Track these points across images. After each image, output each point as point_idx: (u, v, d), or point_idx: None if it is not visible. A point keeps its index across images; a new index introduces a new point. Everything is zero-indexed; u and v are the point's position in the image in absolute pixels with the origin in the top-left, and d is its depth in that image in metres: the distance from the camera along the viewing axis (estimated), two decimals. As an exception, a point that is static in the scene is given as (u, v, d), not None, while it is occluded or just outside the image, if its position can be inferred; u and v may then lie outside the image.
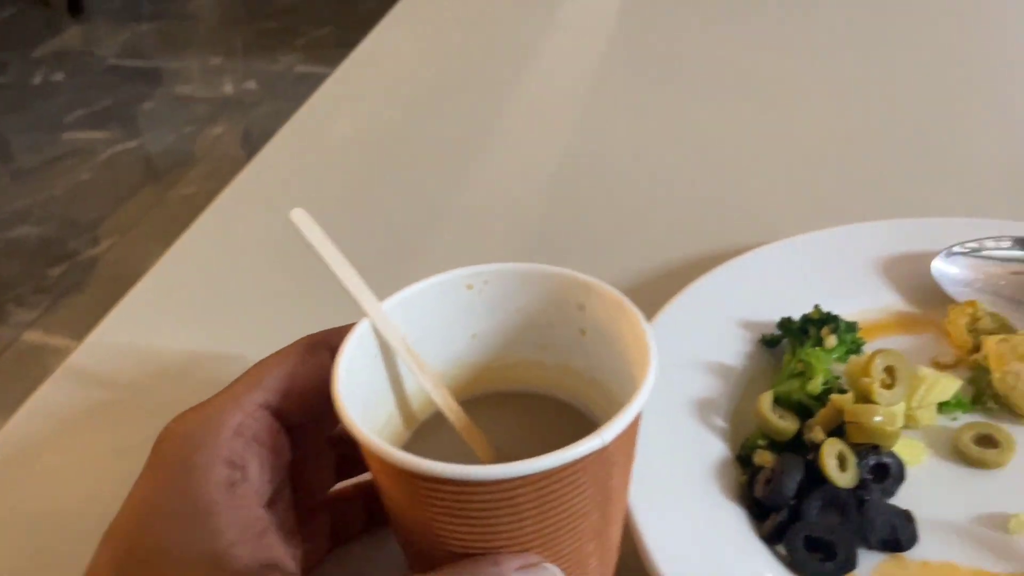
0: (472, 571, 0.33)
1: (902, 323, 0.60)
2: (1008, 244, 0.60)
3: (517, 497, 0.33)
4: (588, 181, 0.80)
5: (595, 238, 0.73)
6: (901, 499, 0.48)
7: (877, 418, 0.48)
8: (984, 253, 0.60)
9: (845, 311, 0.58)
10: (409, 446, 0.43)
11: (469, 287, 0.43)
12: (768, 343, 0.57)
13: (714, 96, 0.92)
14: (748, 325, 0.58)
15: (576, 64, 1.01)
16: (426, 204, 0.78)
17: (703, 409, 0.53)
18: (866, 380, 0.49)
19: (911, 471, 0.50)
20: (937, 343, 0.58)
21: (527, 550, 0.34)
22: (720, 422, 0.52)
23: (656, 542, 0.43)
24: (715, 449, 0.51)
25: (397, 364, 0.41)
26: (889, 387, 0.49)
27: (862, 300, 0.60)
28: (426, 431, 0.44)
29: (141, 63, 3.63)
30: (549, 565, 0.35)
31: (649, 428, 0.50)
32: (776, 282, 0.60)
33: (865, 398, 0.49)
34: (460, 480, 0.32)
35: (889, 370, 0.50)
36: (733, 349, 0.57)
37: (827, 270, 0.62)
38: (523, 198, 0.78)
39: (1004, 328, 0.55)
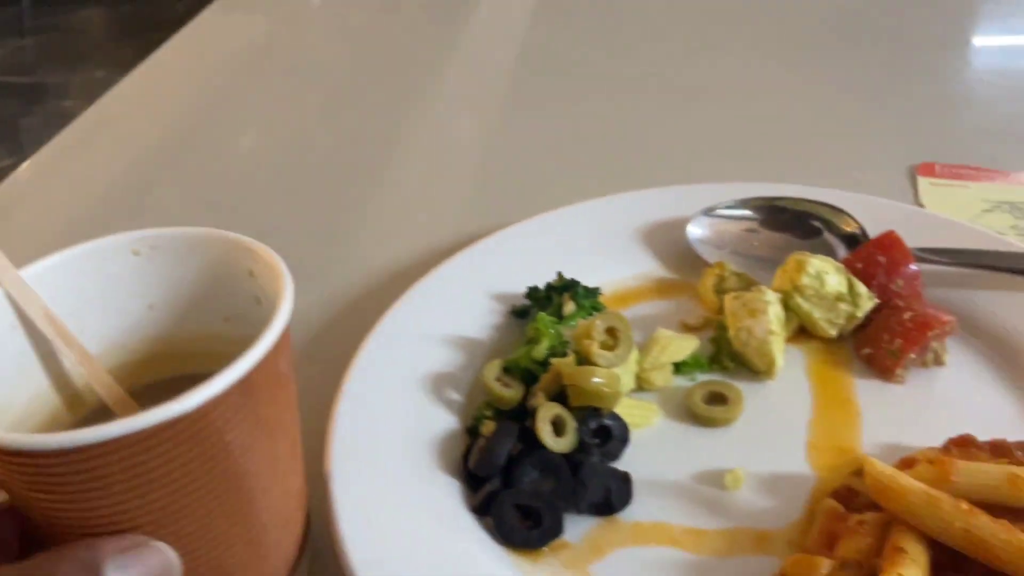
0: (61, 559, 0.30)
1: (660, 288, 0.59)
2: (735, 204, 0.60)
3: (99, 468, 0.30)
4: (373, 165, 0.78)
5: (375, 221, 0.71)
6: (626, 461, 0.47)
7: (596, 379, 0.46)
8: (726, 214, 0.60)
9: (605, 279, 0.58)
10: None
11: (135, 252, 0.40)
12: (518, 314, 0.55)
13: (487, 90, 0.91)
14: (501, 298, 0.56)
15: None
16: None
17: (441, 383, 0.51)
18: (586, 342, 0.48)
19: (643, 433, 0.49)
20: (691, 306, 0.57)
21: (136, 529, 0.32)
22: (456, 396, 0.50)
23: (349, 521, 0.41)
24: (445, 423, 0.49)
25: (47, 337, 0.38)
26: (611, 348, 0.48)
27: (622, 268, 0.59)
28: (106, 417, 0.41)
29: (22, 79, 3.49)
30: (157, 544, 0.32)
31: (374, 405, 0.48)
32: (535, 255, 0.59)
33: (587, 361, 0.47)
34: (29, 450, 0.29)
35: (611, 331, 0.48)
36: (483, 322, 0.55)
37: (587, 241, 0.60)
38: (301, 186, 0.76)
39: (748, 286, 0.54)
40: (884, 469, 0.39)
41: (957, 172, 0.69)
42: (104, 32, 3.91)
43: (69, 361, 0.39)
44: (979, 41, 0.99)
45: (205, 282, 0.41)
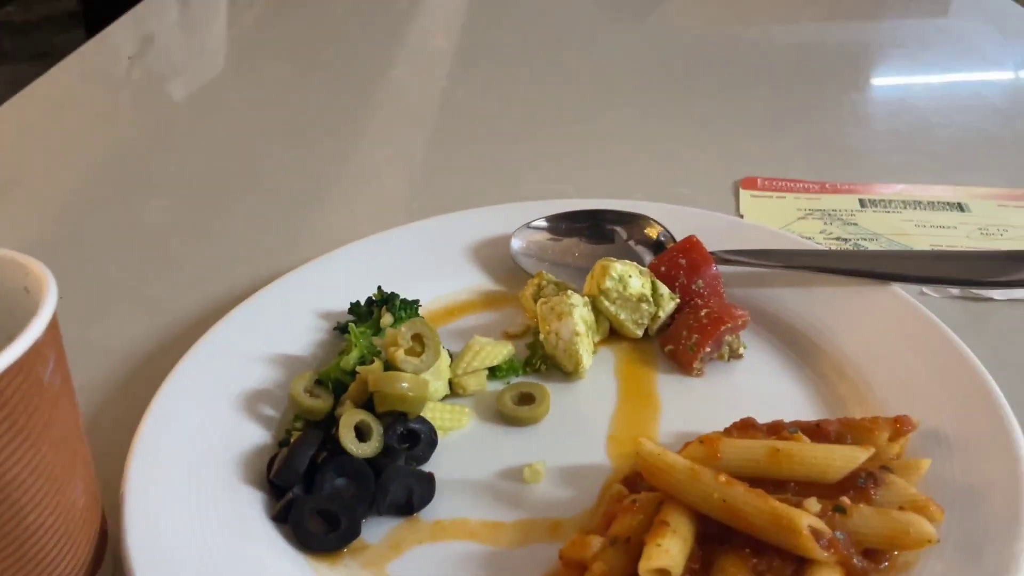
0: None
1: (486, 301, 0.60)
2: (554, 219, 0.63)
3: None
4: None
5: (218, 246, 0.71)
6: (435, 463, 0.48)
7: (403, 385, 0.47)
8: (546, 228, 0.63)
9: (434, 295, 0.59)
10: None
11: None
12: (341, 330, 0.56)
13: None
14: (327, 316, 0.57)
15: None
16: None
17: (256, 400, 0.51)
18: (392, 349, 0.49)
19: (454, 435, 0.50)
20: (515, 315, 0.59)
21: None
22: (272, 411, 0.51)
23: (137, 536, 0.41)
24: (258, 438, 0.49)
25: None
26: (418, 355, 0.49)
27: (450, 284, 0.61)
28: None
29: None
30: None
31: (183, 423, 0.48)
32: (364, 274, 0.60)
33: (393, 367, 0.49)
34: None
35: (418, 338, 0.50)
36: (307, 340, 0.56)
37: (416, 259, 0.62)
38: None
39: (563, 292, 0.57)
40: (653, 449, 0.41)
41: (776, 185, 0.74)
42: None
43: None
44: (804, 68, 1.06)
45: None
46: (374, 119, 0.94)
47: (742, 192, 0.73)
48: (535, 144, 0.85)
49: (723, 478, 0.39)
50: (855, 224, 0.68)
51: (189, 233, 0.73)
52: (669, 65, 1.02)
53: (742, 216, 0.69)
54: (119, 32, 1.16)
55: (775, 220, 0.69)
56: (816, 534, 0.37)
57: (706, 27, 1.14)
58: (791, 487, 0.41)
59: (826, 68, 0.99)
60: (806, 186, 0.73)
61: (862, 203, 0.70)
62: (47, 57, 1.19)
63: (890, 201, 0.70)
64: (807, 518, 0.38)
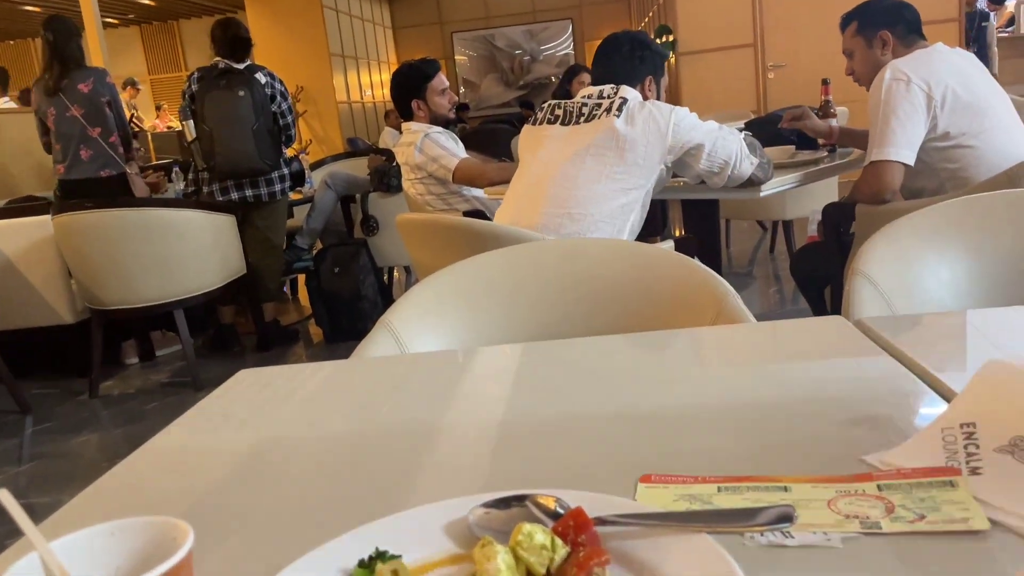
0: None
1: (454, 559, 0.91)
2: (495, 502, 0.95)
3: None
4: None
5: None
6: (403, 653, 0.76)
7: (383, 602, 0.77)
8: (491, 508, 0.95)
9: (420, 556, 0.91)
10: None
11: (111, 533, 0.74)
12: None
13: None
14: (344, 570, 0.88)
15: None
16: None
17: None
18: (378, 579, 0.80)
19: (419, 639, 0.78)
20: (470, 568, 0.89)
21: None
22: (305, 626, 0.80)
23: None
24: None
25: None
26: (396, 587, 0.80)
27: (432, 548, 0.92)
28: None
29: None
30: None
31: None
32: (377, 543, 0.92)
33: (377, 597, 0.79)
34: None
35: (395, 572, 0.80)
36: (331, 586, 0.86)
37: (412, 533, 0.94)
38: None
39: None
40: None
41: (665, 479, 1.05)
42: (96, 454, 4.35)
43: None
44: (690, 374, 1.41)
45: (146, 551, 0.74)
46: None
47: (639, 485, 1.04)
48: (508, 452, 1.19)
49: (559, 631, 0.68)
50: (712, 504, 0.98)
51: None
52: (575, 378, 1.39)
53: (635, 500, 1.01)
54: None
55: (657, 502, 0.99)
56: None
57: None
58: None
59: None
60: (683, 479, 1.05)
61: (719, 489, 1.01)
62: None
63: (738, 487, 1.01)
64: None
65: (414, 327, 1.99)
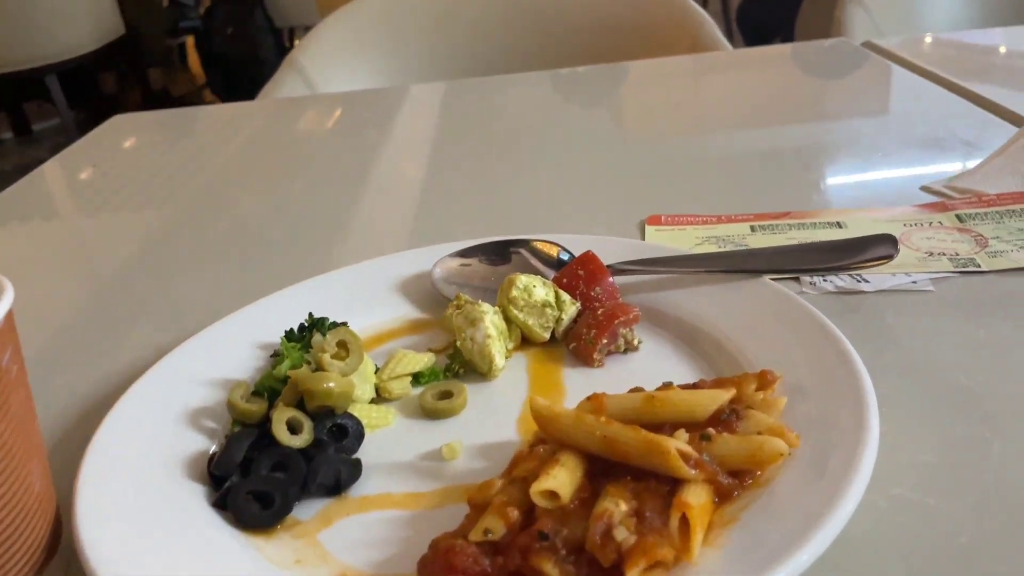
0: None
1: (413, 326, 0.67)
2: (469, 250, 0.71)
3: None
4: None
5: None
6: (362, 453, 0.53)
7: (329, 384, 0.53)
8: (461, 258, 0.70)
9: (366, 324, 0.66)
10: None
11: None
12: (277, 355, 0.62)
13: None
14: (266, 347, 0.63)
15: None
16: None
17: (201, 415, 0.56)
18: (319, 354, 0.55)
19: (382, 431, 0.55)
20: (440, 335, 0.65)
21: None
22: (214, 424, 0.56)
23: (90, 523, 0.46)
24: (202, 444, 0.54)
25: None
26: (343, 359, 0.55)
27: (381, 314, 0.67)
28: None
29: None
30: None
31: (135, 432, 0.54)
32: (303, 310, 0.66)
33: (320, 369, 0.54)
34: None
35: (342, 344, 0.56)
36: (248, 366, 0.61)
37: (349, 295, 0.68)
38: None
39: (477, 309, 0.63)
40: (543, 402, 0.47)
41: (678, 220, 0.82)
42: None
43: None
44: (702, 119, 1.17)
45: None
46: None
47: (647, 228, 0.81)
48: (473, 197, 0.93)
49: (603, 419, 0.45)
50: (745, 245, 0.76)
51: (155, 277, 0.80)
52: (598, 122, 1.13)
53: (646, 246, 0.77)
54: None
55: (676, 246, 0.76)
56: (684, 456, 0.43)
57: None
58: (666, 429, 0.47)
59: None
60: (704, 219, 0.81)
61: (752, 228, 0.79)
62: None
63: (776, 225, 0.79)
64: (675, 443, 0.43)
65: (327, 65, 1.64)
